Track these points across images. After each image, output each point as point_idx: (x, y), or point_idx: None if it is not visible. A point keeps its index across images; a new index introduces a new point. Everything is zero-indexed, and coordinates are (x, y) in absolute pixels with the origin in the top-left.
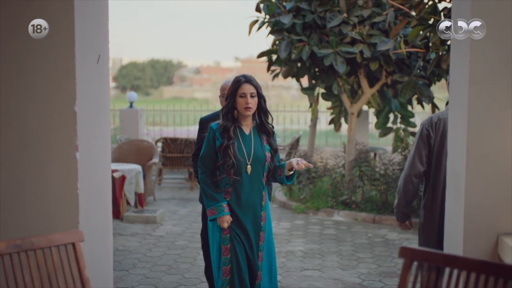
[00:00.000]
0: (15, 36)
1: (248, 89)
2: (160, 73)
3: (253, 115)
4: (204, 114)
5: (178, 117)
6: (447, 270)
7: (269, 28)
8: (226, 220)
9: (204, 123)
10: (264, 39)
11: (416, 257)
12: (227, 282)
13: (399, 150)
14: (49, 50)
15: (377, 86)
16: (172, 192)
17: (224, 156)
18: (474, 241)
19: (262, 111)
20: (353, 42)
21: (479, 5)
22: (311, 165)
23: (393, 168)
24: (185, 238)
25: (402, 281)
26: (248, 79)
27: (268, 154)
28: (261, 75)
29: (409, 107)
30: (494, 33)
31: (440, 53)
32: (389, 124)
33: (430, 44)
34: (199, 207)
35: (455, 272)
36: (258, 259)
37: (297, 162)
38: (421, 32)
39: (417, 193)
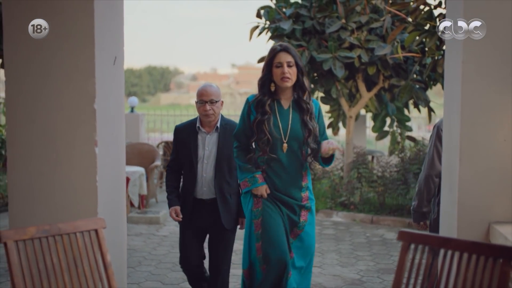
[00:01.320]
0: (42, 38)
1: (284, 57)
2: (157, 80)
3: (294, 87)
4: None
5: (179, 121)
6: (441, 251)
7: (269, 34)
8: (263, 191)
9: (179, 131)
10: (261, 45)
11: (413, 240)
12: (261, 261)
13: (396, 152)
14: (71, 52)
15: (374, 90)
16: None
17: (258, 132)
18: (467, 229)
19: (298, 85)
20: (351, 47)
21: (472, 7)
22: (340, 148)
23: (390, 170)
24: None
25: (401, 262)
26: (284, 47)
27: (306, 132)
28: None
29: (406, 111)
30: (486, 36)
31: (436, 58)
32: (386, 128)
33: (426, 49)
34: None
35: (449, 253)
36: (290, 239)
37: (325, 147)
38: (417, 38)
39: (435, 192)
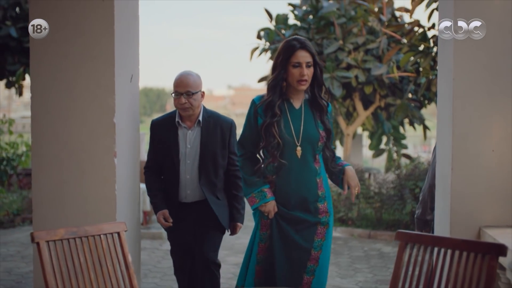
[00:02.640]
0: (65, 58)
1: (304, 57)
2: (153, 101)
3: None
4: None
5: None
6: (435, 249)
7: (269, 54)
8: (271, 208)
9: (156, 127)
10: (257, 67)
11: (409, 240)
12: (257, 285)
13: (392, 169)
14: (93, 70)
15: (371, 109)
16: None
17: (267, 136)
18: (459, 233)
19: (316, 83)
20: (349, 67)
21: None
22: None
23: (386, 187)
24: None
25: (398, 259)
26: (303, 45)
27: (322, 133)
28: None
29: (401, 129)
30: (475, 57)
31: (430, 77)
32: (382, 146)
33: (421, 69)
34: None
35: (442, 250)
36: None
37: (351, 187)
38: (412, 58)
39: None
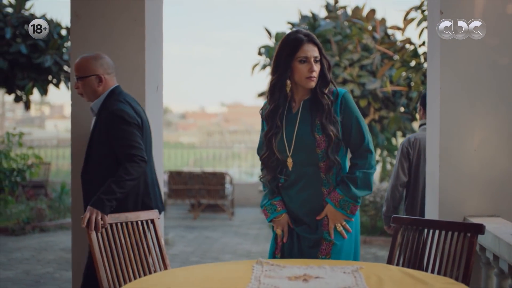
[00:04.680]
0: None
1: (311, 51)
2: None
3: None
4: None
5: (167, 158)
6: (425, 230)
7: (268, 69)
8: (283, 223)
9: None
10: (250, 85)
11: (404, 223)
12: None
13: (386, 179)
14: (126, 80)
15: (366, 121)
16: (177, 221)
17: (267, 149)
18: None
19: (321, 80)
20: (345, 82)
21: (447, 44)
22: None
23: (381, 195)
24: (197, 256)
25: (394, 240)
26: (310, 37)
27: (320, 138)
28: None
29: (394, 141)
30: (459, 69)
31: (421, 91)
32: (377, 157)
33: (412, 84)
34: (205, 232)
35: (431, 231)
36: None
37: (334, 226)
38: (404, 73)
39: (401, 199)
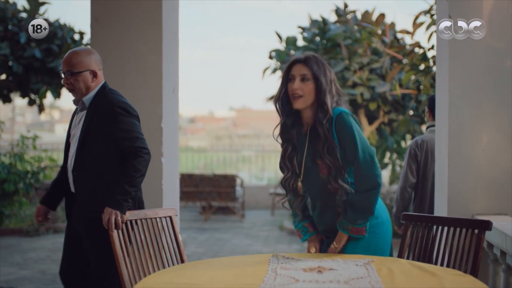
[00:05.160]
0: (121, 73)
1: (298, 70)
2: None
3: (314, 108)
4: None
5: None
6: (434, 227)
7: (278, 73)
8: (314, 242)
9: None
10: (259, 89)
11: (413, 220)
12: None
13: (396, 181)
14: (144, 83)
15: (375, 124)
16: (188, 223)
17: (283, 168)
18: None
19: (317, 103)
20: (354, 85)
21: (456, 48)
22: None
23: (390, 197)
24: (208, 256)
25: (404, 236)
26: (301, 58)
27: (321, 163)
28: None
29: (403, 143)
30: (467, 73)
31: (430, 94)
32: (386, 160)
33: (421, 87)
34: (216, 234)
35: (440, 227)
36: None
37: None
38: (413, 77)
39: (411, 200)
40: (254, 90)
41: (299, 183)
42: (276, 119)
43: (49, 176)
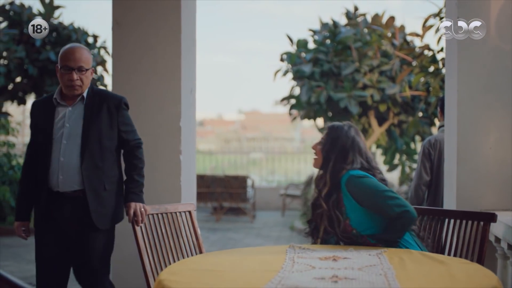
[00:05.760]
0: (142, 74)
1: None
2: None
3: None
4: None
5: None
6: (446, 220)
7: (289, 75)
8: None
9: (35, 107)
10: (268, 92)
11: (425, 213)
12: None
13: (406, 182)
14: (164, 83)
15: (385, 126)
16: (200, 223)
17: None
18: None
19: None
20: (365, 87)
21: (465, 49)
22: None
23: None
24: None
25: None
26: (327, 126)
27: (348, 221)
28: (264, 127)
29: (412, 144)
30: (475, 75)
31: (440, 96)
32: (396, 161)
33: (431, 89)
34: (228, 234)
35: (447, 220)
36: None
37: None
38: (422, 79)
39: (424, 198)
40: (263, 93)
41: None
42: (285, 121)
43: None
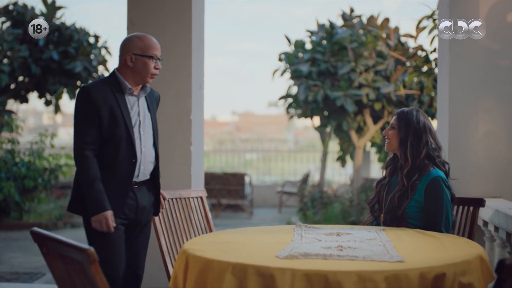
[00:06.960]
0: None
1: (392, 120)
2: None
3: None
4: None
5: None
6: None
7: (287, 74)
8: None
9: (96, 93)
10: (261, 94)
11: None
12: None
13: None
14: (175, 79)
15: (380, 124)
16: None
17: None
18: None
19: (401, 154)
20: (360, 86)
21: (456, 48)
22: None
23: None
24: None
25: None
26: (397, 112)
27: (401, 208)
28: (258, 128)
29: None
30: (466, 70)
31: (432, 95)
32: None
33: (424, 88)
34: (227, 229)
35: None
36: None
37: None
38: (416, 78)
39: None
40: (257, 95)
41: (382, 214)
42: (278, 122)
43: (67, 173)
